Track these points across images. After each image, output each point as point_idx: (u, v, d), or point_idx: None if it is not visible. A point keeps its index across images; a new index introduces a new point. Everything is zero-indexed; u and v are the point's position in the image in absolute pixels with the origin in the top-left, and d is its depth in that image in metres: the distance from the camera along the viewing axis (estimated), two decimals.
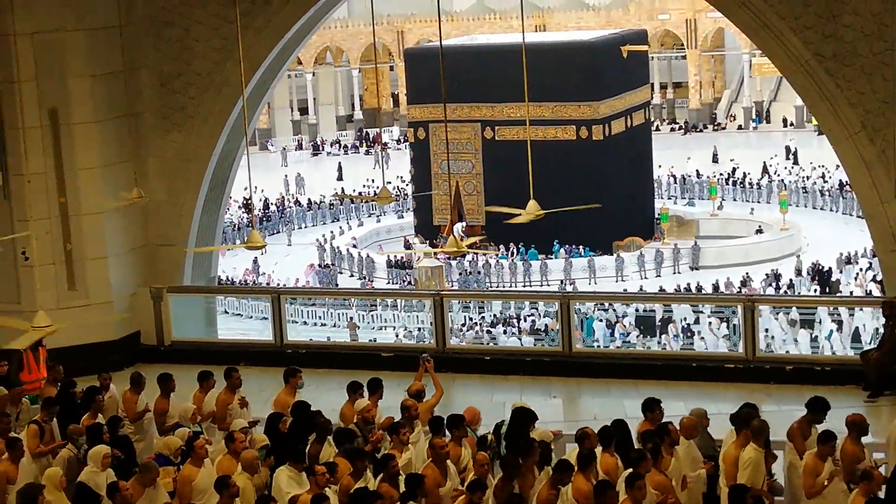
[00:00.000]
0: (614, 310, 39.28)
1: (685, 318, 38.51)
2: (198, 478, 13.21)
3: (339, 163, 72.28)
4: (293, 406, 15.17)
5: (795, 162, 67.60)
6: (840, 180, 60.89)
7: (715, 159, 68.05)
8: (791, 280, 47.37)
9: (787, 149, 69.10)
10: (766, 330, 34.56)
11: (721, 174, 64.48)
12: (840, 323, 36.89)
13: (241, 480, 12.92)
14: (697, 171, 65.38)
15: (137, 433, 15.99)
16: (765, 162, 65.87)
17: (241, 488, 12.85)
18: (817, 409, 13.69)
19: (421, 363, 16.69)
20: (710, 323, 37.05)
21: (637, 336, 37.95)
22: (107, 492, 13.05)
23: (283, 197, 65.29)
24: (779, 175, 64.18)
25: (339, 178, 69.90)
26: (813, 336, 35.96)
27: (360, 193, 62.80)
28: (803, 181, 62.40)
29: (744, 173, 64.39)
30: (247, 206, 54.51)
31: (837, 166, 61.26)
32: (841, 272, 47.77)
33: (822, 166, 62.39)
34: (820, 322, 36.95)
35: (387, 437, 14.18)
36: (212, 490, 12.95)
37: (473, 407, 14.81)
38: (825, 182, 61.98)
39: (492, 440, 14.36)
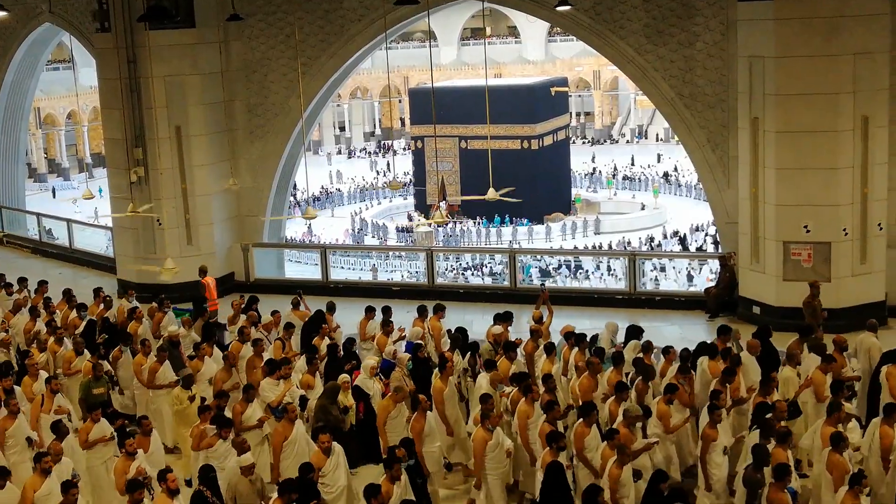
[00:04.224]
0: (545, 260, 39.09)
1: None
2: (447, 389, 11.99)
3: (388, 161, 69.80)
4: (456, 329, 14.34)
5: (631, 164, 66.22)
6: (665, 171, 60.75)
7: (593, 160, 66.82)
8: (660, 241, 47.32)
9: (658, 156, 68.62)
10: (657, 270, 33.20)
11: (612, 171, 63.48)
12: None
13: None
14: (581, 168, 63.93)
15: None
16: (620, 165, 65.05)
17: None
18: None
19: (541, 292, 15.44)
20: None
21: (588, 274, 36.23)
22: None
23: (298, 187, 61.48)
24: (632, 171, 62.89)
25: (387, 172, 68.73)
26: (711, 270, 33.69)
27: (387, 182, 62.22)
28: (666, 176, 61.75)
29: (641, 170, 63.58)
30: (295, 194, 53.59)
31: (650, 166, 61.36)
32: (692, 236, 47.63)
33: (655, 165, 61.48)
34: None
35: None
36: (455, 399, 12.11)
37: (570, 325, 13.62)
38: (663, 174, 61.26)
39: (610, 350, 13.20)
